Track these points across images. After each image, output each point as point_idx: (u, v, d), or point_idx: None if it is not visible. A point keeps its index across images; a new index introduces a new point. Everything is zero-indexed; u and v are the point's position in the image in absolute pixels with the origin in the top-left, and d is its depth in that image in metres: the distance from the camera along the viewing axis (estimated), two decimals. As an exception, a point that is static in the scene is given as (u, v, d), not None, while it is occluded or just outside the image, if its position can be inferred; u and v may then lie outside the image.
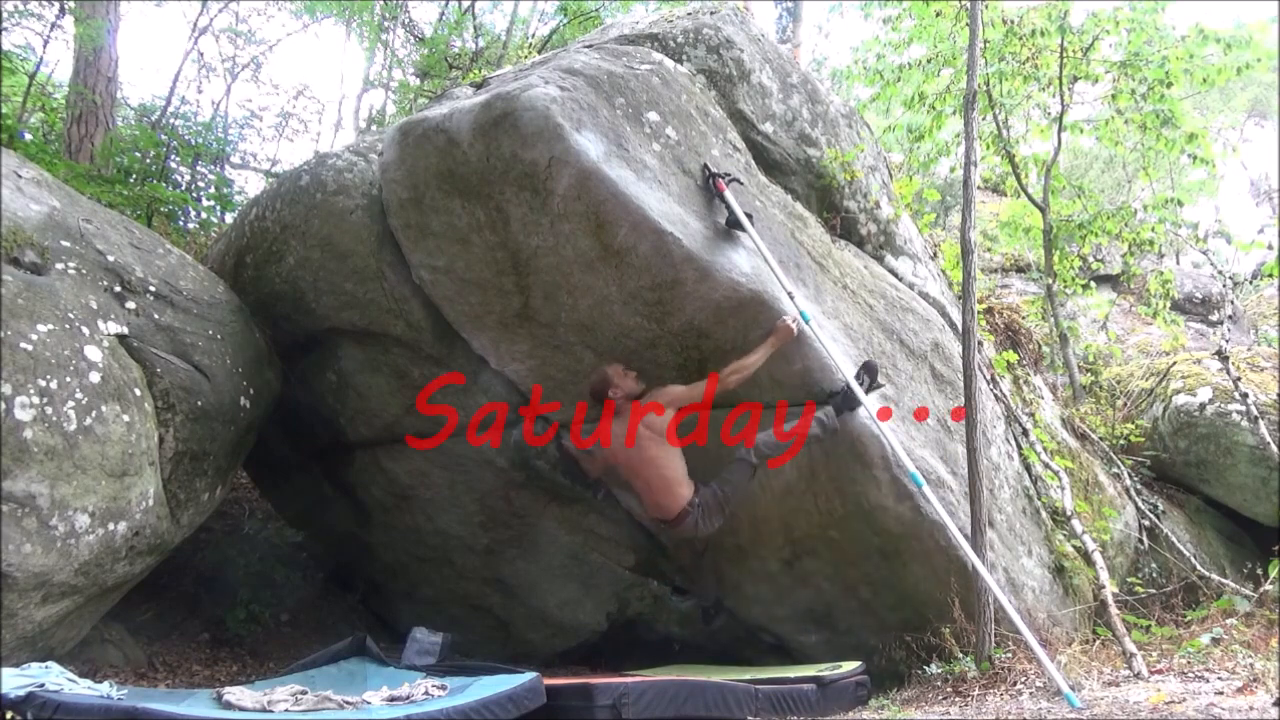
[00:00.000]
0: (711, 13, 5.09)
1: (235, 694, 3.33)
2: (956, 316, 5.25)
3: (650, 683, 3.56)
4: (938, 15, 7.80)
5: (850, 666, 4.28)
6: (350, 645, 4.32)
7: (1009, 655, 4.05)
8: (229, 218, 8.77)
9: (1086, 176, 12.60)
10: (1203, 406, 6.38)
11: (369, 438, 5.26)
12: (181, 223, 9.05)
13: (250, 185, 10.60)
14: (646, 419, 4.09)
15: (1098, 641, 4.62)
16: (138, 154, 8.52)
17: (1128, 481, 6.28)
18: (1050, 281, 7.71)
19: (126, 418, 3.82)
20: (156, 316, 4.26)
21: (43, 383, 3.53)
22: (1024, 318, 7.24)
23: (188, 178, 9.30)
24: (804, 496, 4.47)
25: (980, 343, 5.34)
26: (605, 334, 4.34)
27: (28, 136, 8.21)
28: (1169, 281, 8.22)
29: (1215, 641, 4.47)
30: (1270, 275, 8.49)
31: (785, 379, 4.29)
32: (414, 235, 4.46)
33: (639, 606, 5.34)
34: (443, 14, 12.62)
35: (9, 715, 2.70)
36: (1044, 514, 5.31)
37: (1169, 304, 8.32)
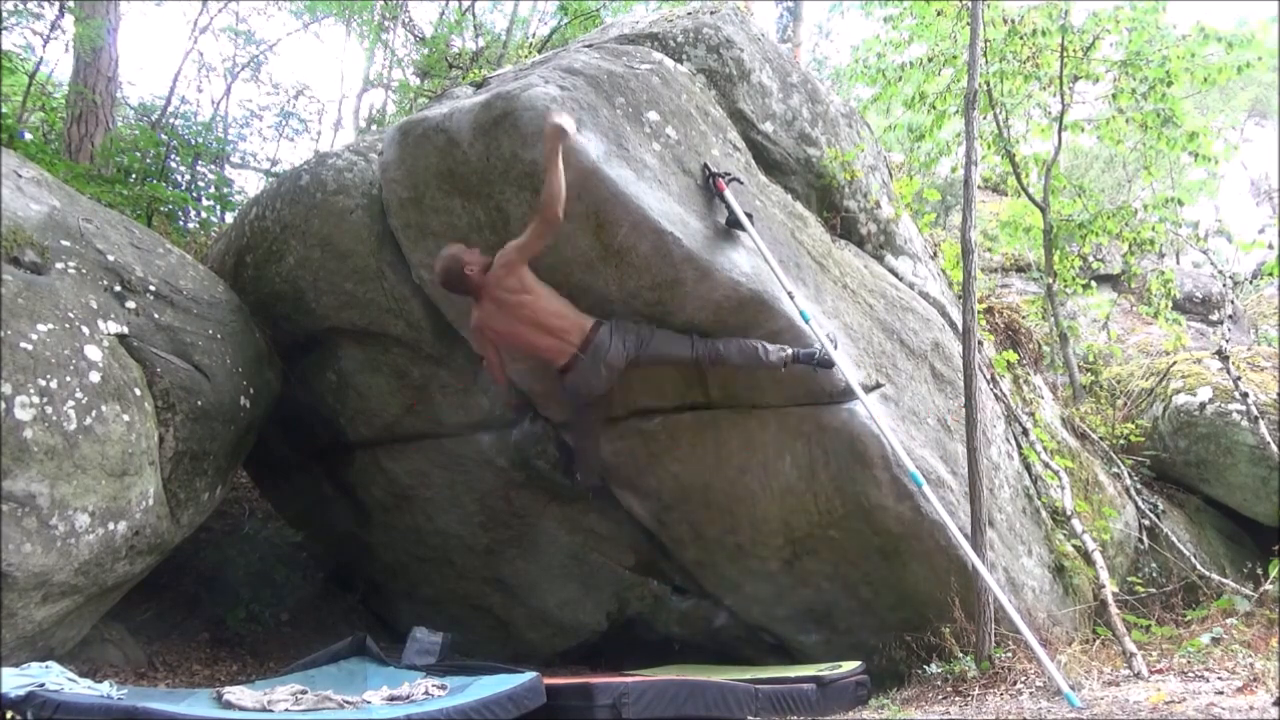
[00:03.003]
0: (711, 12, 5.09)
1: (235, 693, 3.33)
2: (956, 316, 5.25)
3: (650, 682, 3.56)
4: (939, 14, 7.79)
5: (850, 666, 4.28)
6: (350, 645, 4.33)
7: (1009, 655, 4.05)
8: (229, 217, 8.77)
9: (1087, 176, 12.59)
10: (1203, 406, 6.37)
11: (369, 437, 5.27)
12: (181, 222, 9.05)
13: (250, 185, 10.61)
14: (504, 284, 3.94)
15: (1098, 641, 4.62)
16: (137, 154, 8.52)
17: (1128, 481, 6.27)
18: (1050, 281, 7.71)
19: (126, 417, 3.82)
20: (156, 316, 4.26)
21: (43, 382, 3.53)
22: (1024, 317, 7.24)
23: (188, 178, 9.29)
24: (804, 496, 4.47)
25: (980, 342, 5.33)
26: (605, 334, 4.34)
27: (28, 136, 8.20)
28: (1170, 281, 8.20)
29: (1215, 641, 4.47)
30: (1270, 275, 8.48)
31: (785, 378, 4.29)
32: (414, 235, 4.46)
33: (639, 606, 5.34)
34: (443, 13, 12.61)
35: (9, 715, 2.70)
36: (1044, 513, 5.30)
37: (1169, 304, 8.30)
